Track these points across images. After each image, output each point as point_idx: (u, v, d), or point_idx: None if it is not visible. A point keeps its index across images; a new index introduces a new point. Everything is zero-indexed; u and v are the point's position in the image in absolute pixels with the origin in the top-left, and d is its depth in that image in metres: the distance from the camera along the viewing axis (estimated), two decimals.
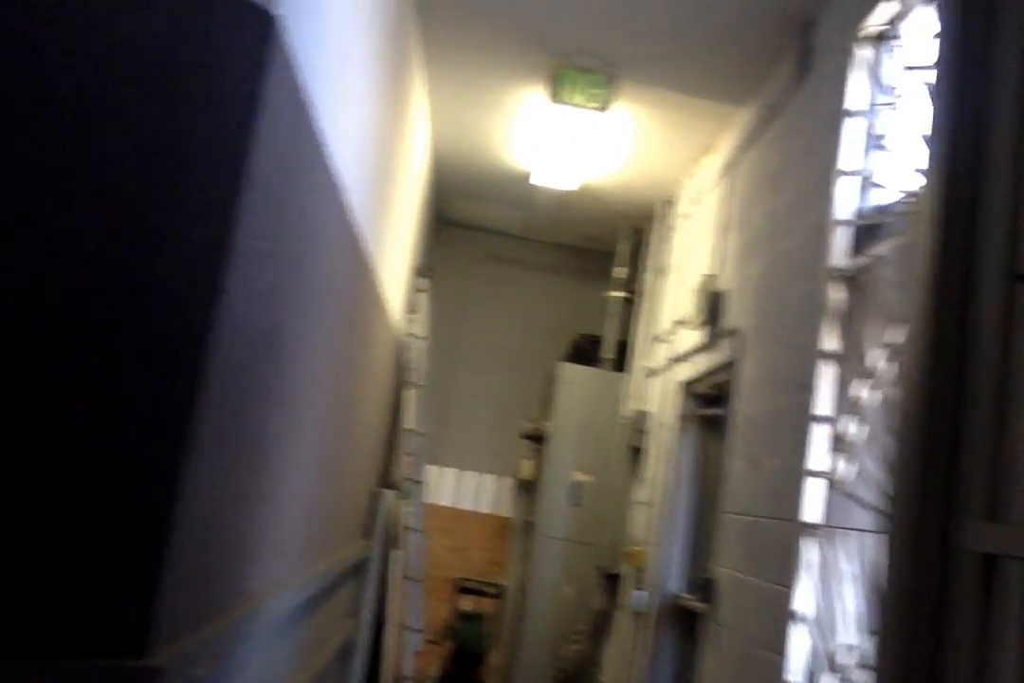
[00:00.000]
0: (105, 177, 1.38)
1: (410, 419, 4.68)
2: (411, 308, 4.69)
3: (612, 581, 4.88)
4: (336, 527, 3.31)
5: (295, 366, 2.15)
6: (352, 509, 3.65)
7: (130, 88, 1.40)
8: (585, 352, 5.61)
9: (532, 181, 5.04)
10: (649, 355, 4.96)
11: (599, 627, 5.01)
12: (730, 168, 3.93)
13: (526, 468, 5.75)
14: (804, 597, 2.48)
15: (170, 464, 1.39)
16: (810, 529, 2.50)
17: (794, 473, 2.61)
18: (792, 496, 2.60)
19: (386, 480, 4.65)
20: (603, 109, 3.66)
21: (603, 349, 5.59)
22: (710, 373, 3.75)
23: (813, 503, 2.52)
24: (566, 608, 5.18)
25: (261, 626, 2.11)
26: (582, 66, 3.59)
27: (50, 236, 1.33)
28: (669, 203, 5.04)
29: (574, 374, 5.38)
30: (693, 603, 3.62)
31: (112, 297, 1.34)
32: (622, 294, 5.56)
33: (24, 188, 1.33)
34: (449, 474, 6.15)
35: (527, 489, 5.81)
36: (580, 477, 5.29)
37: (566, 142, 4.39)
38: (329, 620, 3.48)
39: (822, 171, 2.80)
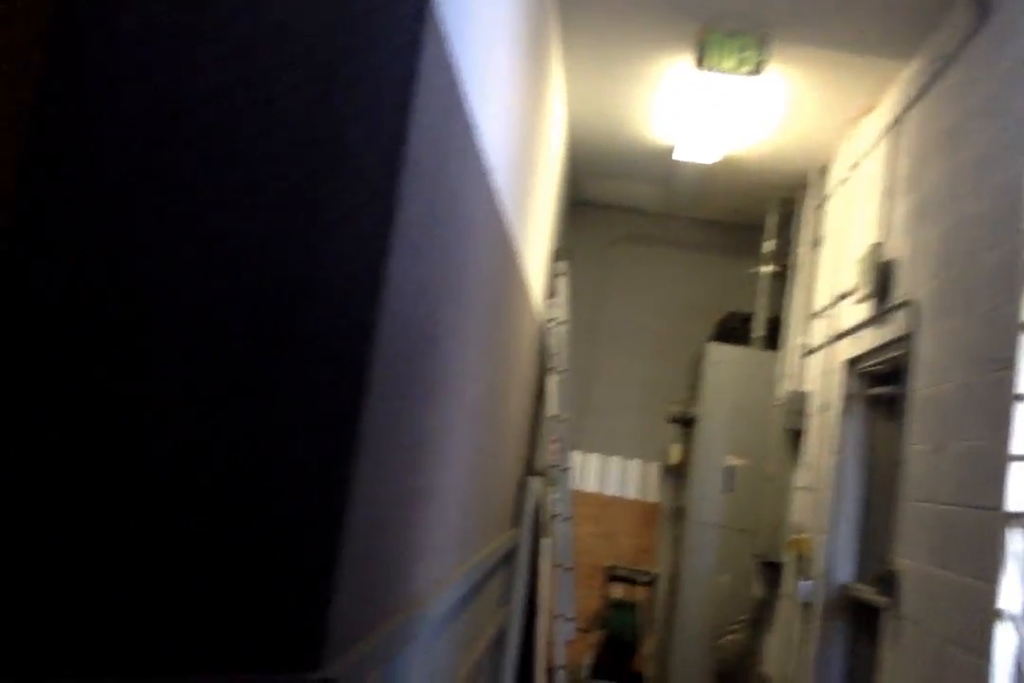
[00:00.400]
0: (261, 166, 1.30)
1: (553, 405, 4.58)
2: (551, 292, 4.58)
3: (771, 569, 4.66)
4: (487, 518, 3.27)
5: (449, 358, 2.09)
6: (500, 498, 3.61)
7: (285, 72, 1.32)
8: (734, 331, 5.38)
9: (675, 155, 4.82)
10: (806, 332, 4.69)
11: (759, 617, 4.81)
12: (894, 127, 3.63)
13: (674, 452, 5.57)
14: (1011, 593, 2.25)
15: (339, 466, 1.32)
16: (1016, 518, 2.26)
17: (992, 457, 2.37)
18: (991, 482, 2.35)
19: (531, 468, 4.58)
20: (755, 73, 3.43)
21: (753, 327, 5.34)
22: (879, 349, 3.49)
23: (1018, 490, 2.27)
24: (722, 597, 4.99)
25: (425, 626, 2.06)
26: (731, 29, 3.37)
27: (206, 230, 1.25)
28: (823, 170, 4.75)
29: (723, 354, 5.16)
30: (869, 595, 3.38)
31: (272, 293, 1.26)
32: (772, 269, 5.29)
33: (177, 181, 1.26)
34: (594, 460, 6.03)
35: (676, 474, 5.63)
36: (733, 461, 5.08)
37: (713, 111, 4.17)
38: (483, 611, 3.45)
39: (1013, 123, 2.52)
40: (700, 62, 3.45)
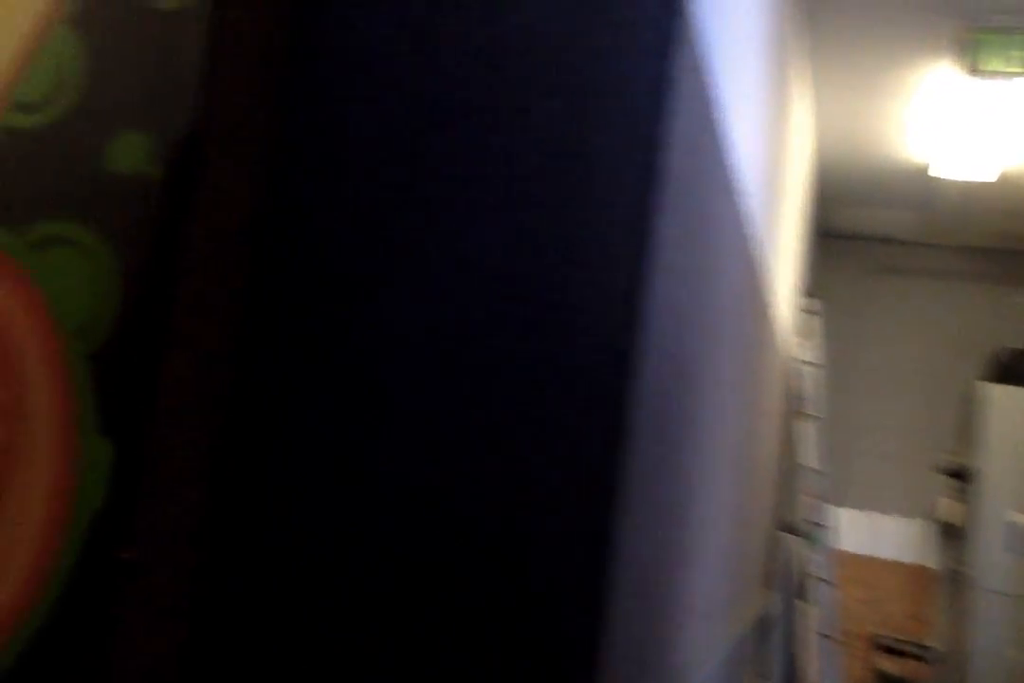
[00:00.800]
0: (508, 183, 1.16)
1: (807, 454, 4.21)
2: (800, 332, 4.24)
3: None
4: (741, 578, 3.00)
5: (706, 398, 1.89)
6: (752, 556, 3.32)
7: (533, 79, 1.19)
8: (1014, 369, 4.77)
9: (933, 173, 4.39)
10: None
11: None
12: None
13: (948, 509, 4.98)
14: None
15: (603, 526, 1.13)
16: None
17: None
18: None
19: (782, 523, 4.23)
20: None
21: None
22: None
23: None
24: (1017, 677, 4.34)
25: None
26: (1002, 26, 2.99)
27: (448, 253, 1.12)
28: None
29: (1004, 396, 4.58)
30: None
31: (525, 321, 1.11)
32: None
33: (422, 199, 1.15)
34: (853, 516, 5.51)
35: (951, 533, 5.02)
36: (1022, 519, 4.45)
37: (983, 121, 3.73)
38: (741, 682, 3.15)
39: None
40: (967, 66, 3.08)
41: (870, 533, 5.52)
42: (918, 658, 5.06)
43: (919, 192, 4.76)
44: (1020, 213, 4.85)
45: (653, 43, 1.28)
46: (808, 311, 4.32)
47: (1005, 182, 4.42)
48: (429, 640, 0.81)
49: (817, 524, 4.28)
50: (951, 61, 3.34)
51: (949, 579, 5.05)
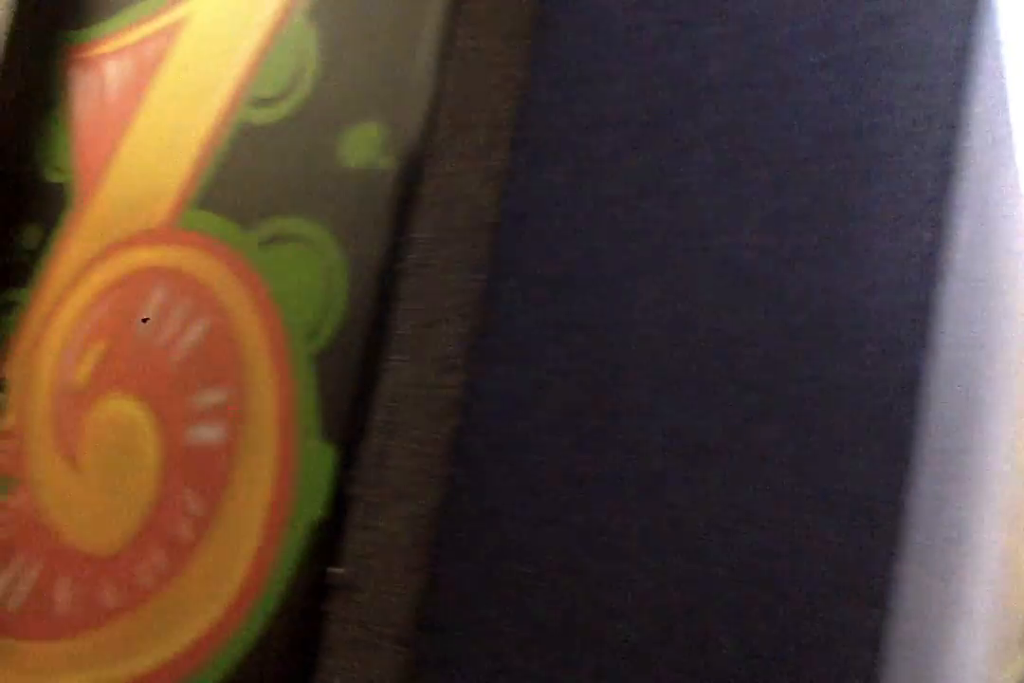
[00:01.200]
0: (773, 169, 1.02)
1: None
2: None
3: None
4: (1004, 636, 2.67)
5: (988, 431, 1.64)
6: (1016, 612, 2.95)
7: (804, 49, 1.04)
8: None
9: None
10: None
11: None
12: None
13: None
14: None
15: (882, 575, 0.95)
16: None
17: None
18: None
19: None
20: None
21: None
22: None
23: None
24: None
25: None
26: None
27: (701, 250, 0.99)
28: None
29: None
30: None
31: (788, 331, 0.95)
32: None
33: (671, 190, 1.02)
34: None
35: None
36: None
37: None
38: None
39: None
40: None
41: None
42: None
43: None
44: None
45: (954, 5, 1.09)
46: None
47: None
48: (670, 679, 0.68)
49: None
50: None
51: None
